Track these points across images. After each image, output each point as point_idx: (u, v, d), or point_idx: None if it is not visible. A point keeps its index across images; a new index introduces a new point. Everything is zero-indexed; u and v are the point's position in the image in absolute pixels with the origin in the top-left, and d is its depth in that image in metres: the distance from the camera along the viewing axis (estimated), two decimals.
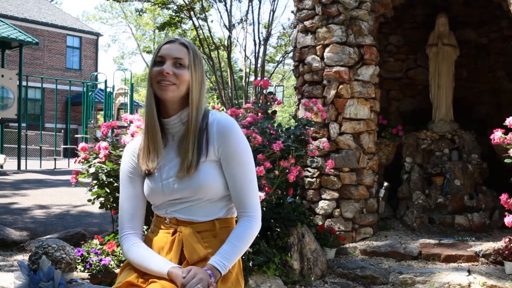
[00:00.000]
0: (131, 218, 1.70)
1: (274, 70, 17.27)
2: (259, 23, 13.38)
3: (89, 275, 3.19)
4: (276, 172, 3.85)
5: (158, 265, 1.57)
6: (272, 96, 4.34)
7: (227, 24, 13.25)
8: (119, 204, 1.74)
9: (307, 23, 5.47)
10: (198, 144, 1.60)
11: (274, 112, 4.37)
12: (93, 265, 3.27)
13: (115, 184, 3.54)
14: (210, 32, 13.90)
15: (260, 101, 4.40)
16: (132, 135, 3.27)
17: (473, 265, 4.54)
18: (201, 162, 1.60)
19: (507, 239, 4.41)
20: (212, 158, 1.62)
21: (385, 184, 6.21)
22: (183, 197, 1.62)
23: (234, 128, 1.63)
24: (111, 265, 3.35)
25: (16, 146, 12.12)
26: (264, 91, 4.38)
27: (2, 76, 10.58)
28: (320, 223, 5.08)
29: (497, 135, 4.22)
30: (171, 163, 1.64)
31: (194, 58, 1.64)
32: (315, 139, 5.17)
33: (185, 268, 1.51)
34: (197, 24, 13.10)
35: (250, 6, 13.10)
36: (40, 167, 11.84)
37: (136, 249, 1.65)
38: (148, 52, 18.33)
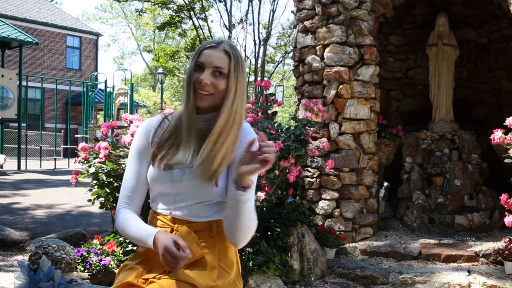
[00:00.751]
0: (131, 194, 1.69)
1: (274, 70, 17.26)
2: (259, 23, 13.34)
3: (89, 275, 3.19)
4: (276, 172, 3.85)
5: (144, 233, 1.56)
6: (272, 98, 4.34)
7: (227, 24, 13.24)
8: (123, 180, 1.73)
9: (307, 23, 5.47)
10: (228, 157, 1.59)
11: (275, 113, 4.37)
12: (93, 265, 3.27)
13: (115, 184, 3.54)
14: (210, 32, 13.89)
15: (260, 101, 4.40)
16: (132, 135, 3.27)
17: (473, 265, 4.54)
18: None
19: (507, 239, 4.41)
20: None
21: (385, 184, 6.21)
22: (186, 192, 1.61)
23: (253, 140, 1.63)
24: (111, 265, 3.35)
25: (16, 146, 12.12)
26: (265, 92, 4.37)
27: (2, 76, 10.59)
28: (320, 223, 5.08)
29: (497, 135, 4.22)
30: (186, 153, 1.63)
31: (236, 68, 1.60)
32: (315, 139, 5.17)
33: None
34: (197, 24, 13.09)
35: (250, 6, 13.08)
36: (40, 167, 11.84)
37: (128, 219, 1.64)
38: (149, 51, 18.30)
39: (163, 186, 1.65)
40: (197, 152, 1.62)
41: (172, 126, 1.65)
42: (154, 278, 1.57)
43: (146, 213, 1.79)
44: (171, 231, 1.64)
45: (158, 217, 1.69)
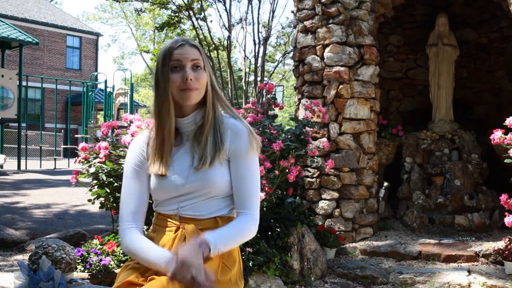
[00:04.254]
0: (133, 213, 1.70)
1: (274, 70, 17.26)
2: (258, 23, 13.36)
3: (89, 275, 3.19)
4: (276, 172, 3.85)
5: (157, 257, 1.55)
6: (274, 101, 4.34)
7: (226, 24, 13.24)
8: (121, 197, 1.73)
9: (307, 23, 5.47)
10: (216, 142, 1.64)
11: (275, 116, 4.37)
12: (93, 265, 3.27)
13: (115, 184, 3.54)
14: (209, 32, 13.88)
15: (261, 102, 4.40)
16: (132, 135, 3.27)
17: (473, 265, 4.54)
18: (217, 158, 1.64)
19: (507, 239, 4.41)
20: (223, 156, 1.65)
21: (385, 184, 6.21)
22: (193, 192, 1.63)
23: (248, 132, 1.67)
24: (111, 265, 3.35)
25: (16, 146, 12.12)
26: (269, 96, 4.37)
27: (2, 76, 10.58)
28: (320, 223, 5.08)
29: (497, 135, 4.22)
30: (184, 158, 1.67)
31: (206, 59, 1.68)
32: (315, 139, 5.17)
33: (172, 257, 1.46)
34: (196, 24, 13.08)
35: (250, 6, 13.09)
36: (40, 167, 11.84)
37: (136, 241, 1.65)
38: (147, 52, 18.27)
39: (168, 193, 1.67)
40: (194, 154, 1.65)
41: (159, 141, 1.66)
42: (154, 275, 1.58)
43: (151, 214, 1.79)
44: (177, 230, 1.65)
45: (163, 217, 1.70)
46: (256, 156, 1.70)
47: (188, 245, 1.48)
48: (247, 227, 1.63)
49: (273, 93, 4.45)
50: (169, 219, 1.68)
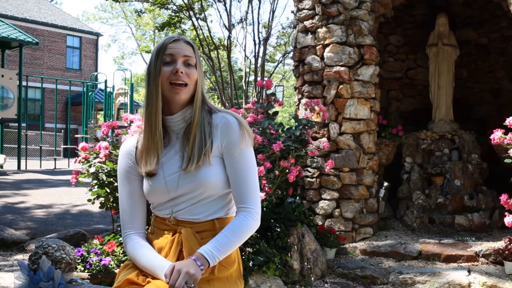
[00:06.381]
0: (131, 218, 1.71)
1: (274, 70, 17.25)
2: (258, 23, 13.38)
3: (89, 275, 3.19)
4: (276, 172, 3.85)
5: (156, 265, 1.57)
6: (274, 97, 4.34)
7: (226, 24, 13.24)
8: (119, 205, 1.74)
9: (307, 23, 5.47)
10: (204, 140, 1.61)
11: (276, 113, 4.37)
12: (93, 265, 3.27)
13: (115, 184, 3.54)
14: (209, 32, 13.88)
15: (261, 101, 4.40)
16: (132, 135, 3.27)
17: (473, 265, 4.54)
18: (204, 157, 1.61)
19: (507, 239, 4.41)
20: (216, 154, 1.63)
21: (385, 184, 6.21)
22: (186, 194, 1.62)
23: (238, 123, 1.65)
24: (111, 265, 3.35)
25: (16, 146, 12.12)
26: (267, 92, 4.37)
27: (2, 76, 10.58)
28: (320, 223, 5.08)
29: (497, 135, 4.22)
30: (174, 159, 1.65)
31: (198, 57, 1.68)
32: (315, 139, 5.17)
33: (168, 268, 1.49)
34: (196, 24, 13.08)
35: (250, 6, 13.10)
36: (40, 167, 11.84)
37: (139, 249, 1.65)
38: (147, 52, 18.27)
39: (161, 197, 1.65)
40: (184, 153, 1.63)
41: (146, 137, 1.66)
42: (153, 278, 1.58)
43: (150, 215, 1.79)
44: (174, 233, 1.64)
45: (160, 220, 1.70)
46: (249, 148, 1.67)
47: (186, 260, 1.50)
48: (246, 225, 1.61)
49: (273, 92, 4.45)
50: (166, 223, 1.67)
